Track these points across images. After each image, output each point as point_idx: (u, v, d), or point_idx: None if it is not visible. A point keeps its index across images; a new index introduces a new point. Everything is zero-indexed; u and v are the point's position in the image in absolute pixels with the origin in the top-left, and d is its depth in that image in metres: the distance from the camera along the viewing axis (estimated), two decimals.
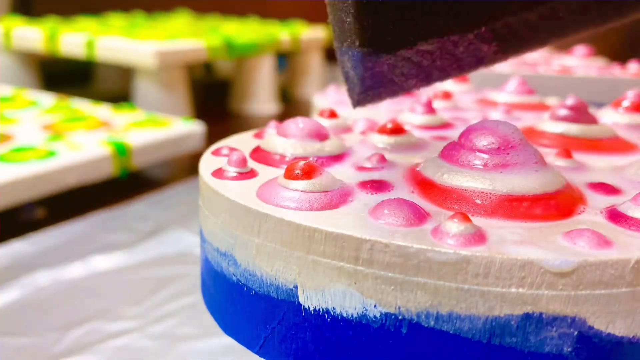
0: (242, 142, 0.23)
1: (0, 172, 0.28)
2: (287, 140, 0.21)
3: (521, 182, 0.17)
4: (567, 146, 0.23)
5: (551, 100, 0.35)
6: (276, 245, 0.16)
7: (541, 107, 0.32)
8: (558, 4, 0.20)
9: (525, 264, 0.14)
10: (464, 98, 0.36)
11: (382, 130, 0.24)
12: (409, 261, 0.14)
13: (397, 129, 0.24)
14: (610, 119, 0.28)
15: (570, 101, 0.25)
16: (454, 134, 0.19)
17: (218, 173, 0.19)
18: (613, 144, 0.24)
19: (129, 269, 0.25)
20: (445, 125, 0.27)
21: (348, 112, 0.28)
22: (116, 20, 0.71)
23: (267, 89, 0.63)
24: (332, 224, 0.15)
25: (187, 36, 0.56)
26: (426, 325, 0.15)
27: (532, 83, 0.35)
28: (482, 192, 0.17)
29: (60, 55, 0.56)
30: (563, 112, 0.25)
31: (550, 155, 0.21)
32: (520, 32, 0.20)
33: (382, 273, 0.15)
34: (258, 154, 0.21)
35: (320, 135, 0.21)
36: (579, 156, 0.22)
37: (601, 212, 0.17)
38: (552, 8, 0.20)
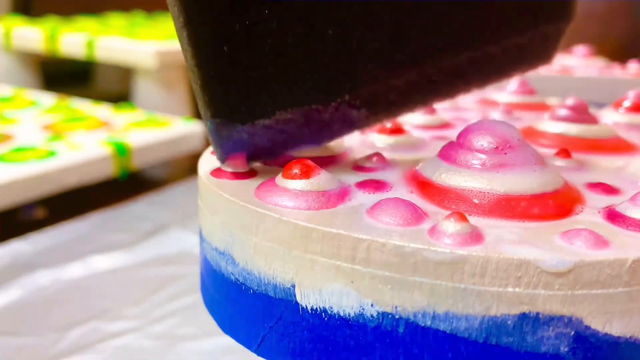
0: None
1: (0, 172, 0.28)
2: None
3: (519, 182, 0.17)
4: (567, 146, 0.23)
5: (552, 100, 0.35)
6: (274, 245, 0.16)
7: (542, 107, 0.32)
8: (428, 68, 0.19)
9: (521, 264, 0.14)
10: (465, 98, 0.36)
11: (382, 130, 0.24)
12: (405, 260, 0.14)
13: (396, 129, 0.24)
14: (611, 119, 0.28)
15: (570, 101, 0.25)
16: (454, 134, 0.19)
17: (217, 172, 0.19)
18: (613, 144, 0.24)
19: (129, 269, 0.25)
20: (445, 125, 0.27)
21: None
22: (116, 20, 0.71)
23: None
24: (330, 224, 0.15)
25: None
26: (423, 325, 0.15)
27: (532, 83, 0.35)
28: (480, 192, 0.17)
29: (60, 55, 0.56)
30: (563, 112, 0.25)
31: (550, 155, 0.21)
32: (390, 97, 0.19)
33: (379, 272, 0.15)
34: None
35: None
36: (579, 156, 0.22)
37: (599, 212, 0.17)
38: (420, 73, 0.19)
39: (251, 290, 0.17)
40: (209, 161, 0.21)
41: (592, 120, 0.25)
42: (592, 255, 0.14)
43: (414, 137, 0.24)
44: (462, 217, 0.15)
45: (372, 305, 0.15)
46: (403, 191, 0.18)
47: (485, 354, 0.15)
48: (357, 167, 0.20)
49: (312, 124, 0.18)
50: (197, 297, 0.22)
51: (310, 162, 0.17)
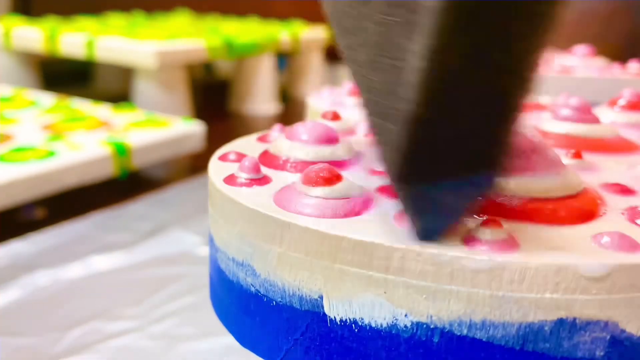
0: (247, 146, 0.23)
1: (0, 172, 0.28)
2: (297, 145, 0.20)
3: (544, 185, 0.17)
4: (572, 146, 0.23)
5: (545, 99, 0.35)
6: (300, 255, 0.16)
7: (536, 107, 0.32)
8: None
9: (560, 269, 0.14)
10: None
11: None
12: (442, 269, 0.14)
13: None
14: (607, 117, 0.28)
15: (573, 101, 0.25)
16: None
17: (230, 179, 0.19)
18: (616, 144, 0.24)
19: (129, 269, 0.25)
20: None
21: (348, 113, 0.28)
22: (116, 20, 0.71)
23: (267, 89, 0.63)
24: (360, 232, 0.15)
25: (187, 36, 0.56)
26: (459, 334, 0.15)
27: None
28: (507, 196, 0.16)
29: (60, 55, 0.56)
30: (567, 112, 0.25)
31: (560, 156, 0.21)
32: None
33: (413, 282, 0.14)
34: (267, 158, 0.20)
35: (331, 139, 0.20)
36: (586, 156, 0.22)
37: (622, 214, 0.17)
38: None
39: (274, 302, 0.17)
40: (219, 167, 0.20)
41: (595, 120, 0.25)
42: (628, 258, 0.14)
43: None
44: (497, 224, 0.14)
45: (405, 315, 0.15)
46: None
47: None
48: (373, 171, 0.19)
49: None
50: (197, 297, 0.22)
51: (331, 168, 0.17)
